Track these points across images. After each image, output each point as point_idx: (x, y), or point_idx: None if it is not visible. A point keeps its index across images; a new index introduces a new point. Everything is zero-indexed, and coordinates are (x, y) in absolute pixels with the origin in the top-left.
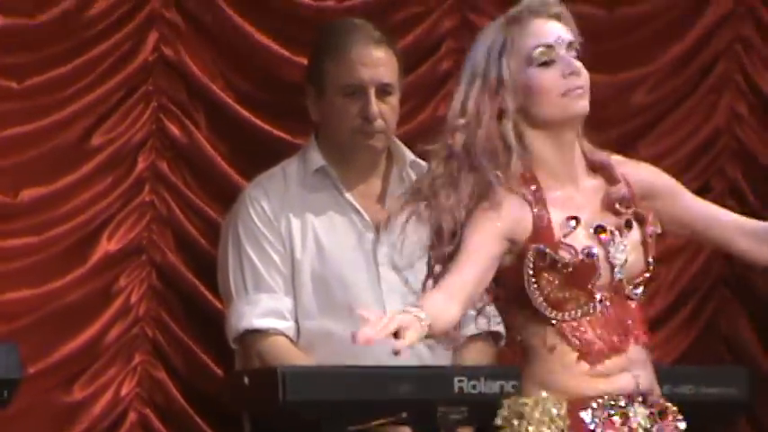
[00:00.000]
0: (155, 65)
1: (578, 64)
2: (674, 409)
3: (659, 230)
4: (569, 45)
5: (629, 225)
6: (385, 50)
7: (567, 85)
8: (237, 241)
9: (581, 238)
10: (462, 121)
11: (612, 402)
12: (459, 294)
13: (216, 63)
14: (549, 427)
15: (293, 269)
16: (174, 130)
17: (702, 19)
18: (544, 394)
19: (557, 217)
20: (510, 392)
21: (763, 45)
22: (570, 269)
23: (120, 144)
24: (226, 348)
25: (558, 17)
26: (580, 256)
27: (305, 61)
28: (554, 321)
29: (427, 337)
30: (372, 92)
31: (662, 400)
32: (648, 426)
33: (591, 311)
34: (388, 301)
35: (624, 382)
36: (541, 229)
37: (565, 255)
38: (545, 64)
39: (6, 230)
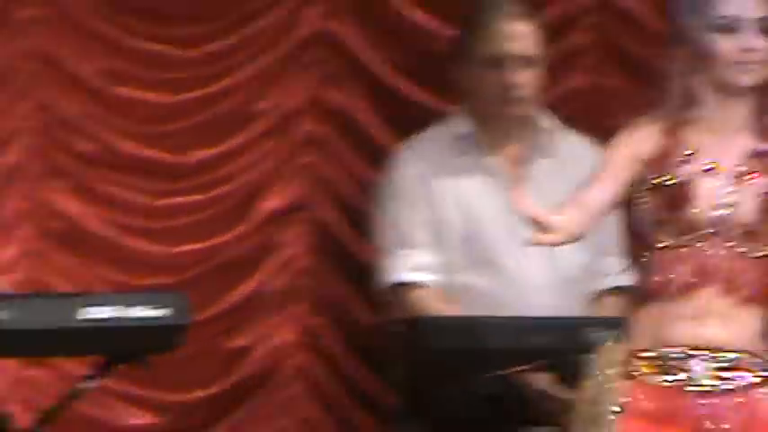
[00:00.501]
0: (314, 38)
1: (755, 42)
2: (760, 373)
3: None
4: (759, 20)
5: (748, 175)
6: (527, 25)
7: (740, 58)
8: (389, 200)
9: (689, 170)
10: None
11: (672, 354)
12: (590, 208)
13: (373, 36)
14: (613, 370)
15: (439, 227)
16: (334, 97)
17: None
18: (609, 343)
19: (679, 148)
20: None
21: None
22: (668, 193)
23: (282, 109)
24: (378, 299)
25: None
26: (679, 182)
27: (451, 34)
28: (654, 245)
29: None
30: (514, 63)
31: (744, 359)
32: (710, 381)
33: (685, 243)
34: (528, 255)
35: (692, 333)
36: (660, 157)
37: (666, 179)
38: (727, 32)
39: (176, 189)
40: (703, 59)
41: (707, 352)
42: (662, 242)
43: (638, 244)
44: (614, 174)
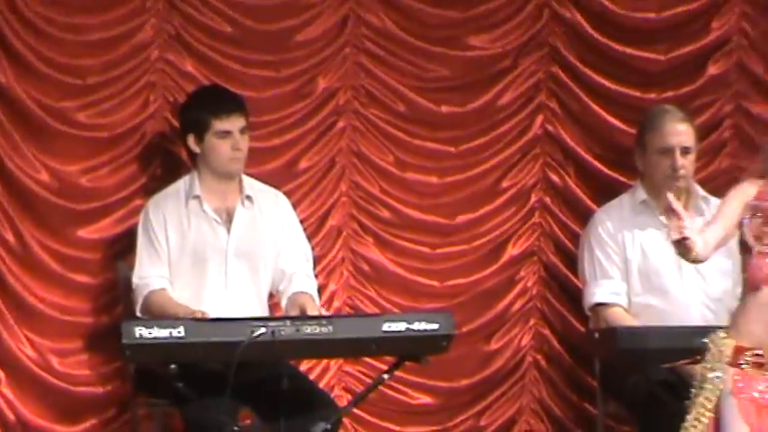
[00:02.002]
0: (541, 136)
1: None
2: None
3: None
4: None
5: None
6: (686, 125)
7: None
8: (590, 247)
9: None
10: None
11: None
12: (712, 241)
13: (580, 135)
14: (718, 360)
15: (625, 264)
16: (554, 177)
17: None
18: (722, 334)
19: None
20: None
21: None
22: (765, 213)
23: (520, 186)
24: (584, 314)
25: None
26: None
27: (634, 132)
28: (756, 254)
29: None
30: (678, 152)
31: None
32: None
33: None
34: (687, 283)
35: None
36: (761, 193)
37: (765, 204)
38: None
39: (447, 242)
40: None
41: None
42: (762, 248)
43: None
44: (729, 216)
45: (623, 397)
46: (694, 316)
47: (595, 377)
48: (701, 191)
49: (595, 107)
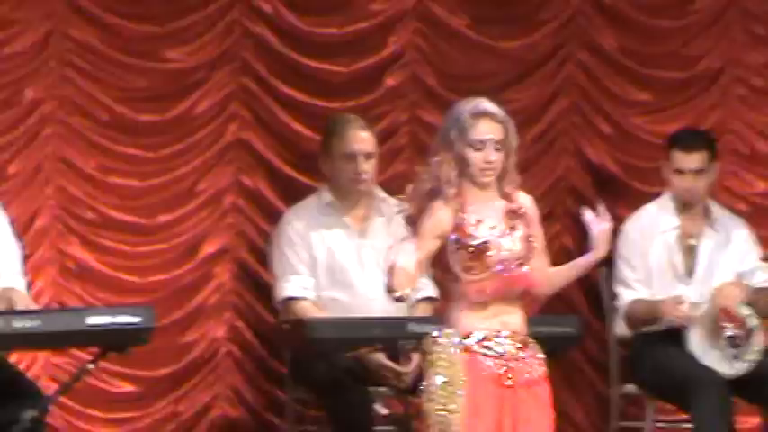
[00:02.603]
0: (234, 143)
1: (493, 157)
2: (534, 344)
3: (534, 235)
4: (496, 142)
5: (513, 228)
6: (367, 133)
7: (483, 167)
8: (280, 245)
9: (482, 231)
10: (435, 158)
11: (487, 334)
12: (412, 272)
13: (271, 141)
14: (450, 348)
15: (312, 261)
16: (247, 181)
17: None
18: (449, 330)
19: (470, 219)
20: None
21: None
22: (472, 249)
23: (215, 189)
24: (275, 308)
25: (498, 121)
26: (478, 242)
27: (320, 138)
28: (465, 281)
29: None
30: (360, 157)
31: (527, 338)
32: (511, 350)
33: (487, 277)
34: (370, 278)
35: (498, 322)
36: (459, 226)
37: (470, 240)
38: (477, 149)
39: (148, 241)
40: (464, 164)
41: (508, 332)
42: (471, 277)
43: (449, 277)
44: (424, 245)
45: (311, 383)
46: (376, 309)
47: (285, 365)
48: (381, 193)
49: (283, 116)
